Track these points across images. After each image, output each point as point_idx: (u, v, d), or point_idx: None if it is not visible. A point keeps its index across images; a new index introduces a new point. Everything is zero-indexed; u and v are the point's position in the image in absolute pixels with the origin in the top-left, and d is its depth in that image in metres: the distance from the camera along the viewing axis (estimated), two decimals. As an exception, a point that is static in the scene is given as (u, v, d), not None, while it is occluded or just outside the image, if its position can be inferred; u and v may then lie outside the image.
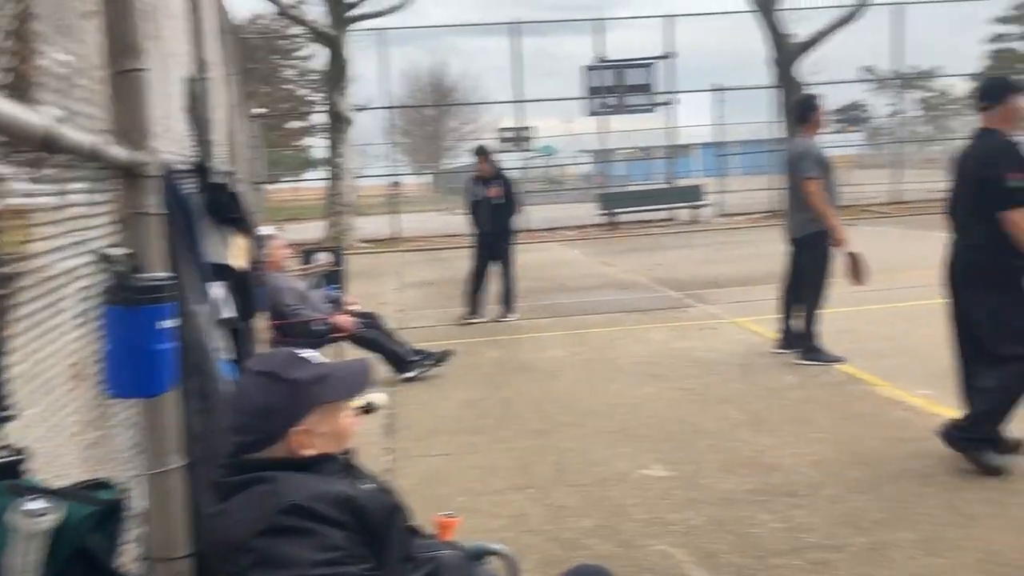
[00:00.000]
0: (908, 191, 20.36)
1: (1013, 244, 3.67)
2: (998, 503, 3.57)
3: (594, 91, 20.05)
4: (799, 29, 19.48)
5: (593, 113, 20.82)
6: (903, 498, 3.68)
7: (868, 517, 3.51)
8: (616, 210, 19.32)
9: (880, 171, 23.05)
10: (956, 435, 3.89)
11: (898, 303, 7.97)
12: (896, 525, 3.42)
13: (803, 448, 4.39)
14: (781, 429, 4.72)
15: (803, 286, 6.17)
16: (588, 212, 19.57)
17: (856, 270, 5.77)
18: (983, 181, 3.71)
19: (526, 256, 10.00)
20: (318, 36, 17.98)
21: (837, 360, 5.99)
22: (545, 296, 9.71)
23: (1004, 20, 39.20)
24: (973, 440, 3.84)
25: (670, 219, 19.44)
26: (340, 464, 1.67)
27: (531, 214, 15.64)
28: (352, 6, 17.78)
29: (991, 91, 3.91)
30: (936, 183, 18.73)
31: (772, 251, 6.67)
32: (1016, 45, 43.73)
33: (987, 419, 3.81)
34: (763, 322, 7.18)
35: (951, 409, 4.67)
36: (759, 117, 21.08)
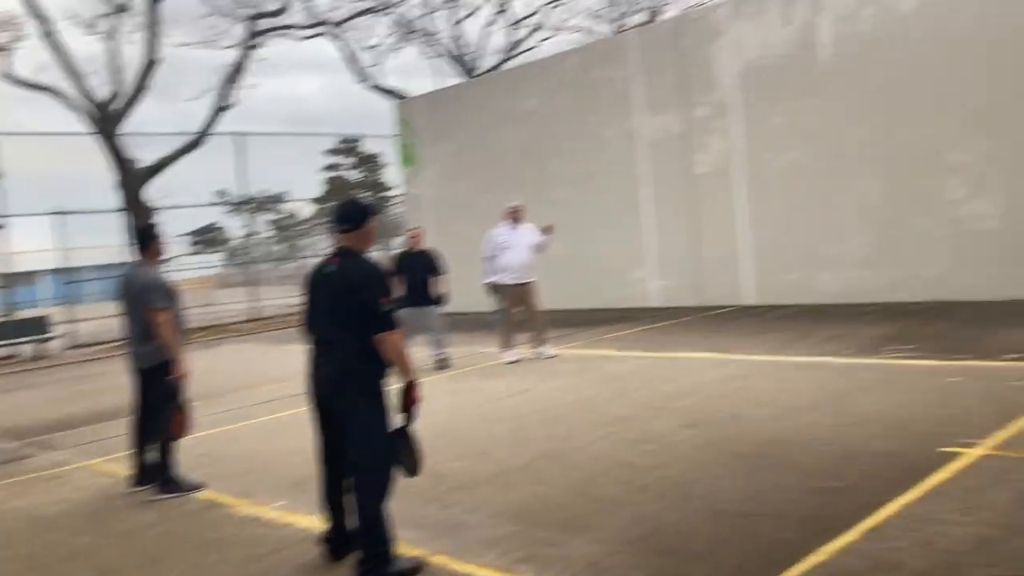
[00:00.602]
0: (266, 307, 21.41)
1: (383, 361, 3.97)
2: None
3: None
4: (144, 154, 19.40)
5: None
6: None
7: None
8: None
9: (239, 289, 23.88)
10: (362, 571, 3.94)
11: (255, 419, 8.12)
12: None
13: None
14: (138, 575, 4.35)
15: (154, 417, 5.89)
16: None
17: (181, 422, 5.80)
18: (362, 303, 3.91)
19: None
20: None
21: (196, 487, 5.79)
22: None
23: (334, 152, 44.42)
24: (375, 570, 3.93)
25: (11, 357, 17.29)
26: None
27: None
28: None
29: (352, 214, 4.12)
30: (290, 298, 20.21)
31: (126, 382, 6.25)
32: (345, 174, 49.77)
33: (379, 542, 3.94)
34: (117, 460, 6.67)
35: (307, 516, 4.83)
36: (110, 241, 20.17)
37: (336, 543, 4.18)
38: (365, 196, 48.05)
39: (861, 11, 12.16)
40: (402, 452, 4.07)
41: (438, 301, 10.40)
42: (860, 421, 5.88)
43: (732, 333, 10.83)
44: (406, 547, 4.19)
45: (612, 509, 4.61)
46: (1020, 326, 9.02)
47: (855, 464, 4.95)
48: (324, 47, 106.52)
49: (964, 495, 4.25)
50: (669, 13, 33.30)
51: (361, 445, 3.97)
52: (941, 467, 4.70)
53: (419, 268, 10.34)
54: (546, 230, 10.32)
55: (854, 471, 4.82)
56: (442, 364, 10.28)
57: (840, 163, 12.51)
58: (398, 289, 11.01)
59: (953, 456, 4.87)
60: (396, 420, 4.04)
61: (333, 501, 4.18)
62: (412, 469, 4.09)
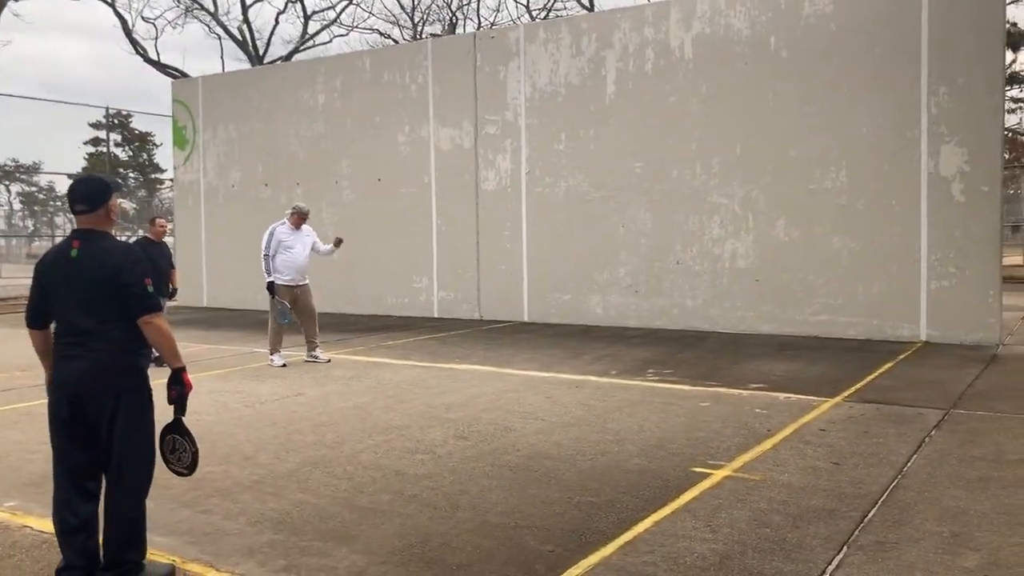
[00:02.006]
0: (9, 287, 19.40)
1: (148, 350, 3.67)
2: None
3: None
4: None
5: None
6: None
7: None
8: None
9: (-24, 265, 21.51)
10: None
11: (-13, 410, 7.32)
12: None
13: None
14: None
15: None
16: None
17: None
18: (123, 286, 3.55)
19: None
20: None
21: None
22: None
23: (99, 126, 41.12)
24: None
25: None
26: None
27: None
28: None
29: (94, 193, 3.72)
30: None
31: None
32: (116, 151, 46.27)
33: (138, 551, 3.64)
34: None
35: (43, 518, 4.39)
36: None
37: (83, 571, 3.61)
38: (131, 177, 44.94)
39: (644, 50, 12.93)
40: (178, 448, 3.78)
41: (173, 295, 10.34)
42: (621, 439, 6.18)
43: (508, 348, 11.08)
44: (157, 554, 3.90)
45: (379, 519, 4.54)
46: (763, 358, 9.89)
47: (615, 480, 5.18)
48: (93, 9, 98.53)
49: (710, 513, 4.56)
50: (467, 28, 33.88)
51: (129, 443, 3.62)
52: (692, 486, 5.02)
53: (160, 260, 10.03)
54: (336, 243, 10.19)
55: (613, 487, 5.04)
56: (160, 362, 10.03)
57: (616, 194, 13.20)
58: (173, 279, 10.44)
59: (703, 476, 5.23)
60: (166, 413, 3.74)
61: (83, 515, 3.61)
62: (190, 466, 3.79)
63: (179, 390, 3.69)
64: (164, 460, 3.80)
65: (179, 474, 3.83)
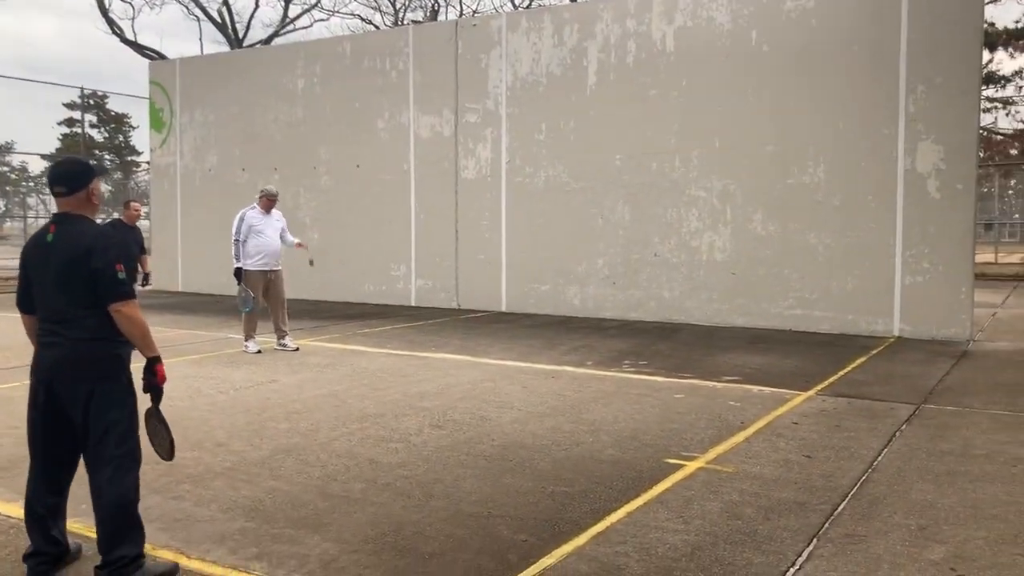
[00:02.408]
0: (-21, 268, 19.16)
1: (124, 337, 3.56)
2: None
3: None
4: None
5: None
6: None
7: None
8: None
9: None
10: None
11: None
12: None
13: None
14: None
15: None
16: None
17: None
18: (94, 271, 3.46)
19: None
20: None
21: None
22: None
23: (73, 106, 40.57)
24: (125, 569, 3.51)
25: None
26: None
27: None
28: None
29: (74, 175, 3.63)
30: (11, 260, 18.13)
31: None
32: (91, 132, 45.72)
33: (134, 544, 3.55)
34: None
35: (10, 503, 4.35)
36: None
37: (50, 556, 3.61)
38: (107, 159, 44.42)
39: (626, 42, 12.93)
40: (158, 433, 3.73)
41: (146, 281, 10.33)
42: (595, 429, 6.20)
43: (485, 337, 11.08)
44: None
45: (352, 507, 4.53)
46: (737, 351, 9.96)
47: (589, 470, 5.20)
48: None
49: (682, 505, 4.59)
50: (449, 15, 33.73)
51: (105, 426, 3.52)
52: (665, 477, 5.05)
53: (132, 245, 9.96)
54: (299, 245, 10.33)
55: (587, 477, 5.06)
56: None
57: (596, 184, 13.21)
58: (144, 263, 10.37)
59: (676, 467, 5.26)
60: (141, 401, 3.68)
61: (50, 504, 3.61)
62: (167, 453, 3.75)
63: (150, 379, 3.63)
64: (150, 443, 3.76)
65: (161, 457, 3.79)
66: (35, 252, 3.63)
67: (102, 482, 3.52)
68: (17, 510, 4.19)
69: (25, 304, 3.71)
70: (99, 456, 3.54)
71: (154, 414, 3.73)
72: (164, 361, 3.70)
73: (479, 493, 4.77)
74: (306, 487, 4.87)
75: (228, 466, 5.27)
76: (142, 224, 10.98)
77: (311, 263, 10.21)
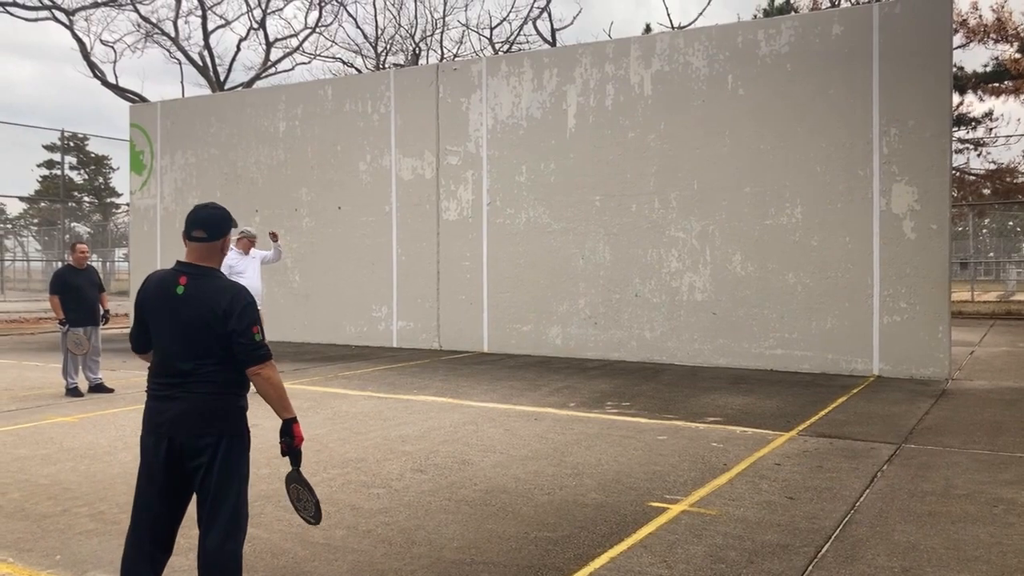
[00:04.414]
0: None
1: (246, 397, 3.51)
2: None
3: None
4: None
5: None
6: None
7: None
8: None
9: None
10: None
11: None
12: None
13: None
14: None
15: None
16: None
17: None
18: (231, 333, 3.41)
19: None
20: None
21: None
22: None
23: (53, 148, 40.47)
24: None
25: None
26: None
27: None
28: None
29: (218, 222, 3.53)
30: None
31: None
32: (71, 174, 45.58)
33: None
34: None
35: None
36: None
37: None
38: (86, 201, 44.28)
39: (605, 86, 13.10)
40: (302, 497, 3.61)
41: (105, 319, 10.25)
42: (578, 473, 6.18)
43: (467, 379, 11.04)
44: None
45: (332, 554, 4.47)
46: (719, 391, 9.98)
47: (572, 515, 5.17)
48: (50, 32, 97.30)
49: (666, 549, 4.56)
50: (430, 59, 34.06)
51: (224, 490, 3.40)
52: (649, 521, 5.03)
53: (89, 285, 9.97)
54: (272, 236, 10.36)
55: (570, 522, 5.03)
56: (100, 388, 9.97)
57: (576, 225, 13.30)
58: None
59: (659, 511, 5.24)
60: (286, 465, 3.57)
61: (158, 560, 3.49)
62: (313, 517, 3.63)
63: (288, 442, 3.52)
64: (294, 509, 3.67)
65: (307, 522, 3.68)
66: (160, 302, 3.49)
67: (214, 542, 3.41)
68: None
69: (142, 347, 3.59)
70: (213, 514, 3.42)
71: (295, 478, 3.61)
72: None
73: (461, 539, 4.73)
74: (285, 535, 4.80)
75: (207, 514, 5.18)
76: (94, 263, 10.95)
77: (274, 236, 10.30)
